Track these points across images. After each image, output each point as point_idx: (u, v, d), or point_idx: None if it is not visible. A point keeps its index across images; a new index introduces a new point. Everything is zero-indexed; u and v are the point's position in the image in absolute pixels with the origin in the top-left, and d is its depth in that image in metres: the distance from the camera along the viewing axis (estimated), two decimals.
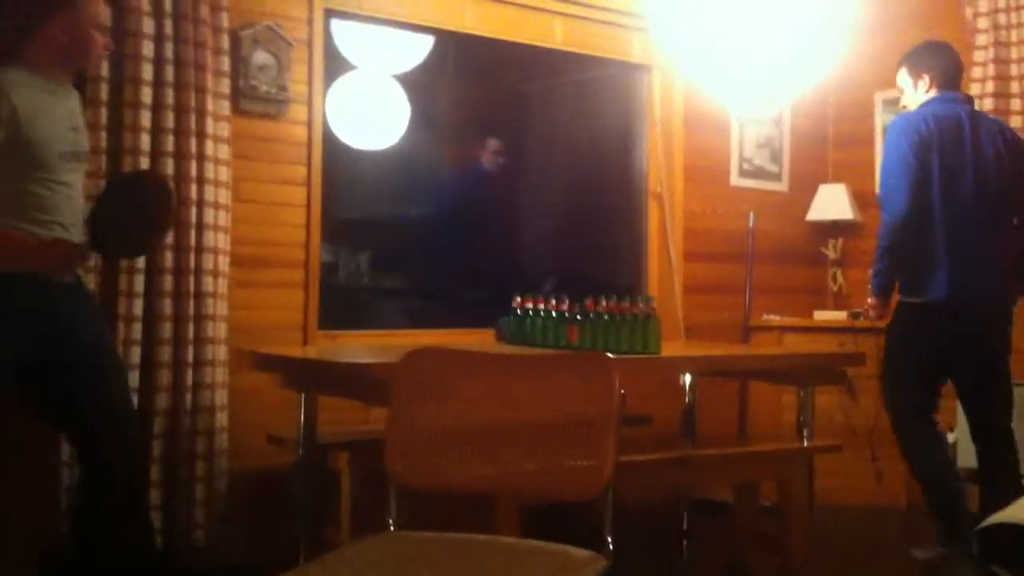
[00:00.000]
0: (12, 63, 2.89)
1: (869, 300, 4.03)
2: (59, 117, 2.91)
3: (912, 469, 4.07)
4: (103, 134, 3.47)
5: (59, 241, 2.85)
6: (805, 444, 3.79)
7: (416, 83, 4.70)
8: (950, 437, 4.82)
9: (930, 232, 3.85)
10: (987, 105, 4.69)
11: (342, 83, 4.07)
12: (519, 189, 5.88)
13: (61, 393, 2.92)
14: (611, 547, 2.14)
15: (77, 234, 2.93)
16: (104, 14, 3.05)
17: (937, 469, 3.98)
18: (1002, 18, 4.70)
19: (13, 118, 2.77)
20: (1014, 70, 4.68)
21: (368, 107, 4.17)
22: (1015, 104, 4.67)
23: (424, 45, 4.73)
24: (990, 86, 4.69)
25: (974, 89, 4.74)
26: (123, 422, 3.04)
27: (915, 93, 4.04)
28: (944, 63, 4.02)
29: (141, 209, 2.90)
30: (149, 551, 3.16)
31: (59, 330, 2.89)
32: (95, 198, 3.08)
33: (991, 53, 4.69)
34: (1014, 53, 4.68)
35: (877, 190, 4.08)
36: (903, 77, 4.09)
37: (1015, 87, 4.68)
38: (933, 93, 3.98)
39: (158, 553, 3.31)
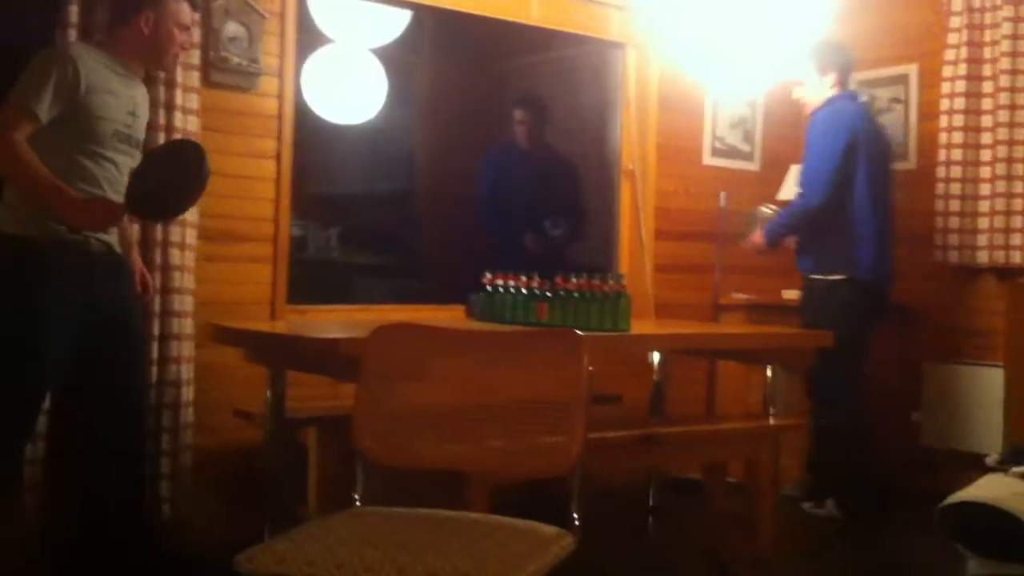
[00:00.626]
0: (90, 42, 3.05)
1: (758, 240, 4.46)
2: (121, 98, 2.99)
3: (831, 432, 4.23)
4: None
5: (99, 200, 2.90)
6: (772, 423, 3.83)
7: (392, 58, 4.67)
8: (915, 416, 4.89)
9: (858, 216, 4.23)
10: (959, 88, 4.72)
11: (318, 56, 4.02)
12: (526, 165, 5.85)
13: (91, 365, 2.97)
14: (578, 524, 2.15)
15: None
16: (186, 14, 3.11)
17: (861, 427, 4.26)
18: (976, 1, 4.72)
19: (76, 84, 2.85)
20: (987, 53, 4.70)
21: (345, 81, 4.13)
22: (987, 87, 4.70)
23: (401, 19, 4.68)
24: (962, 69, 4.71)
25: (947, 72, 4.76)
26: (131, 401, 3.09)
27: (819, 87, 4.37)
28: (847, 62, 4.42)
29: (176, 172, 2.92)
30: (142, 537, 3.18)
31: (94, 300, 2.93)
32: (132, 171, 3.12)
33: (964, 36, 4.71)
34: (987, 36, 4.70)
35: (803, 183, 4.35)
36: (809, 70, 4.39)
37: (987, 70, 4.70)
38: (836, 90, 4.35)
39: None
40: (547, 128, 5.48)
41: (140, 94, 3.12)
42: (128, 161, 3.05)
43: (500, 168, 5.44)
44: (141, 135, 3.14)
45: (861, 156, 4.25)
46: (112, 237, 3.04)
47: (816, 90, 4.36)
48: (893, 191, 4.42)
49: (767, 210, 4.65)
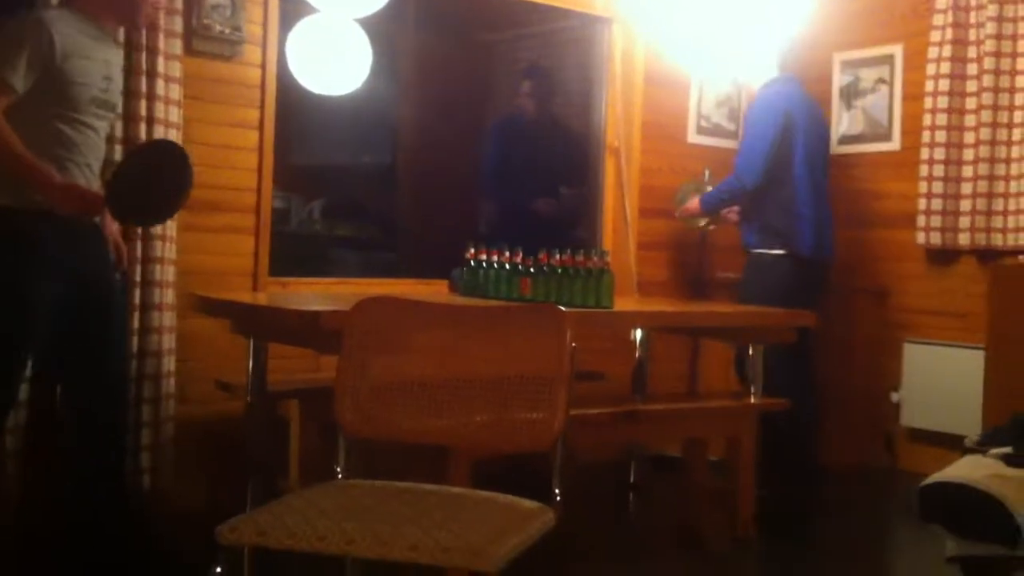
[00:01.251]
0: (61, 5, 2.97)
1: (694, 206, 4.70)
2: (96, 63, 2.94)
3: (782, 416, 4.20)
4: None
5: (79, 188, 2.87)
6: (753, 401, 3.84)
7: (376, 29, 4.62)
8: (894, 397, 4.92)
9: (797, 194, 4.40)
10: (944, 69, 4.72)
11: (302, 25, 3.97)
12: (476, 140, 5.83)
13: (70, 335, 2.95)
14: (559, 499, 2.15)
15: (95, 177, 2.99)
16: None
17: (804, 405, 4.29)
18: None
19: (51, 53, 2.81)
20: (972, 35, 4.70)
21: (329, 51, 4.08)
22: (971, 69, 4.70)
23: None
24: (947, 51, 4.71)
25: (931, 53, 4.76)
26: (111, 371, 3.07)
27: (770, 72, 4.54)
28: (789, 46, 4.58)
29: (160, 178, 2.91)
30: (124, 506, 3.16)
31: (75, 268, 2.92)
32: (115, 164, 3.13)
33: (950, 17, 4.71)
34: (973, 18, 4.70)
35: (738, 164, 4.50)
36: (766, 59, 4.55)
37: (972, 52, 4.70)
38: (776, 73, 4.51)
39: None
40: (553, 98, 5.48)
41: (114, 57, 3.08)
42: (105, 126, 3.03)
43: (506, 139, 5.43)
44: (118, 99, 3.12)
45: (799, 136, 4.39)
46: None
47: (764, 71, 4.53)
48: (829, 173, 4.64)
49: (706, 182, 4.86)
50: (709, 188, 4.79)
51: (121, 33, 3.33)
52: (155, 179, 2.90)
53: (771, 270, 4.39)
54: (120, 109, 3.16)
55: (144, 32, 3.50)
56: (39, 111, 2.82)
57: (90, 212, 2.94)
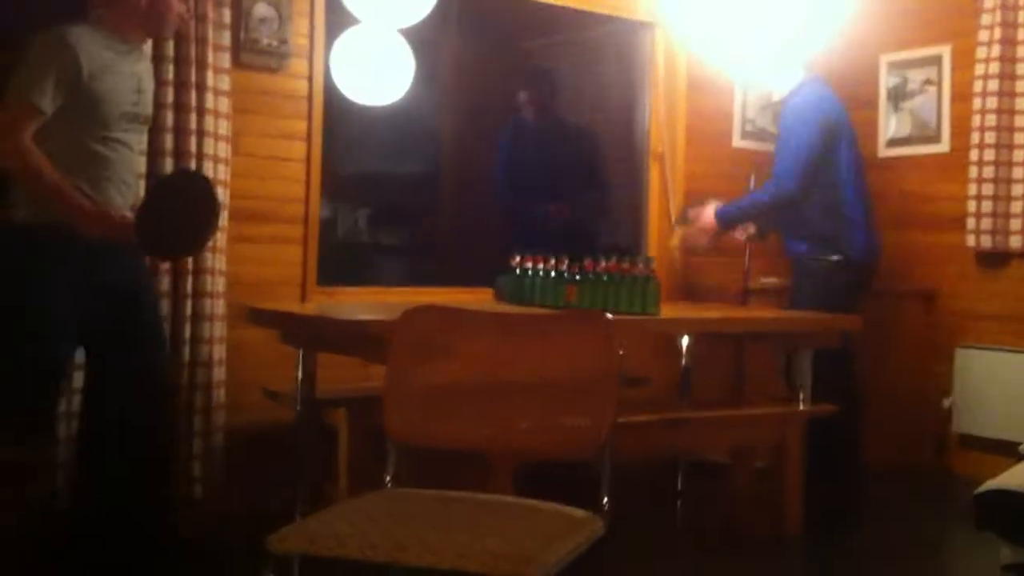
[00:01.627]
0: (86, 20, 2.94)
1: (709, 222, 4.48)
2: (125, 77, 2.95)
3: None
4: None
5: (109, 217, 2.89)
6: (800, 407, 3.81)
7: (420, 38, 4.65)
8: (946, 402, 4.86)
9: (845, 197, 4.32)
10: (992, 69, 4.65)
11: (346, 37, 4.02)
12: (542, 142, 5.82)
13: (108, 340, 3.00)
14: (607, 507, 2.15)
15: (132, 192, 3.02)
16: None
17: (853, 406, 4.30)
18: None
19: (78, 72, 2.81)
20: (1021, 34, 4.63)
21: (372, 62, 4.12)
22: (1020, 69, 4.63)
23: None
24: (996, 50, 4.64)
25: (980, 53, 4.70)
26: (157, 378, 3.12)
27: (788, 74, 4.47)
28: (819, 47, 4.51)
29: (188, 213, 2.93)
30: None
31: (113, 280, 2.95)
32: (145, 193, 3.15)
33: (998, 16, 4.64)
34: (1021, 17, 4.63)
35: (778, 168, 4.37)
36: (797, 63, 4.44)
37: (1021, 51, 4.63)
38: (804, 74, 4.41)
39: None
40: (555, 101, 5.47)
41: (144, 67, 3.07)
42: (138, 139, 3.04)
43: (512, 147, 5.44)
44: (149, 110, 3.11)
45: (841, 138, 4.34)
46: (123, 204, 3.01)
47: (792, 77, 4.43)
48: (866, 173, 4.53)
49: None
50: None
51: (150, 43, 3.33)
52: (182, 214, 2.91)
53: (828, 277, 4.31)
54: (150, 117, 3.14)
55: (192, 46, 3.55)
56: (70, 131, 2.84)
57: (119, 240, 2.94)
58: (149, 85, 3.11)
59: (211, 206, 2.95)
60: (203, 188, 2.98)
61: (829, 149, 4.30)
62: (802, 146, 4.28)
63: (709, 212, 4.49)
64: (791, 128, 4.38)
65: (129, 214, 2.95)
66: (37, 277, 2.85)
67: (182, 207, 2.92)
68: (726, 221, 4.49)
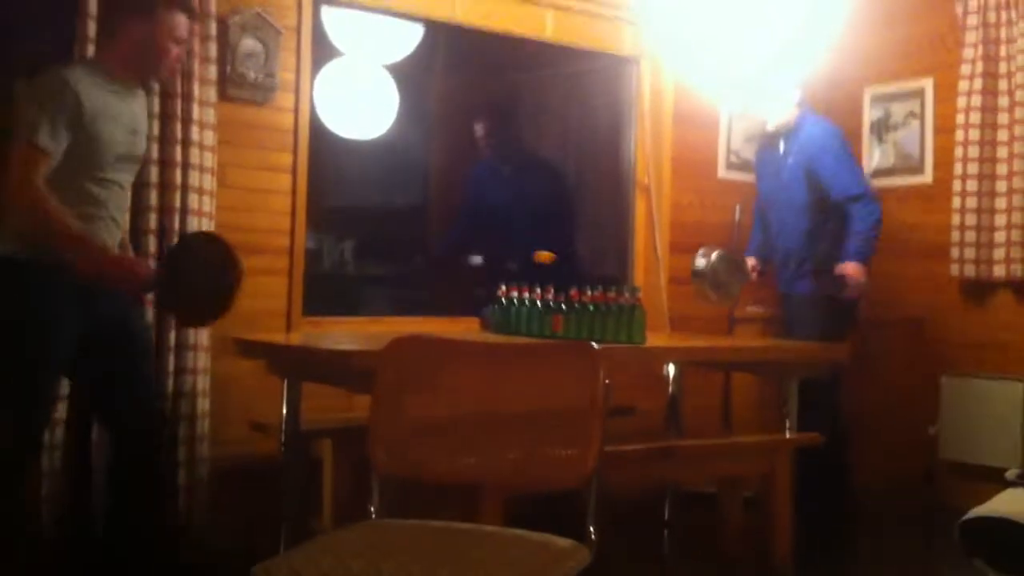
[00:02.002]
0: (83, 62, 2.95)
1: (857, 272, 4.28)
2: (121, 119, 2.94)
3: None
4: None
5: (132, 267, 2.93)
6: (788, 436, 3.81)
7: (405, 73, 4.69)
8: (931, 430, 4.86)
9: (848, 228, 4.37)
10: (975, 102, 4.70)
11: (331, 71, 4.04)
12: (507, 180, 5.85)
13: (99, 374, 2.99)
14: (594, 537, 2.14)
15: (120, 228, 3.04)
16: (182, 26, 3.01)
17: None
18: (991, 15, 4.71)
19: (79, 114, 2.81)
20: (1003, 67, 4.69)
21: (357, 96, 4.15)
22: (1003, 101, 4.68)
23: (415, 35, 4.70)
24: (978, 83, 4.70)
25: (962, 86, 4.75)
26: (149, 409, 3.10)
27: (789, 103, 4.49)
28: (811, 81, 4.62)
29: (212, 279, 2.94)
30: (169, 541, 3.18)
31: (104, 313, 2.94)
32: (168, 251, 3.17)
33: (980, 51, 4.70)
34: (1003, 51, 4.68)
35: (856, 187, 4.38)
36: (778, 87, 4.50)
37: (1003, 85, 4.68)
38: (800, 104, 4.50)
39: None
40: (513, 136, 5.46)
41: (139, 106, 3.06)
42: (129, 177, 3.04)
43: (475, 189, 5.47)
44: (142, 149, 3.11)
45: None
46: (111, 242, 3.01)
47: (786, 106, 4.48)
48: None
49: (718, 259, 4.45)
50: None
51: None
52: (203, 279, 2.93)
53: (830, 309, 4.33)
54: (142, 155, 3.14)
55: (179, 80, 3.56)
56: (66, 170, 2.82)
57: (139, 291, 2.95)
58: (143, 126, 3.10)
59: (233, 276, 2.93)
60: (226, 255, 2.96)
61: None
62: (853, 158, 4.45)
63: (850, 266, 4.30)
64: (834, 149, 4.40)
65: (149, 266, 2.98)
66: (27, 311, 2.83)
67: (204, 273, 2.93)
68: (867, 259, 4.37)
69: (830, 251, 4.35)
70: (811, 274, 4.39)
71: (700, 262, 4.36)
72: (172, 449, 3.56)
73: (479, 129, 5.38)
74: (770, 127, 4.54)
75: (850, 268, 4.28)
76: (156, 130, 3.53)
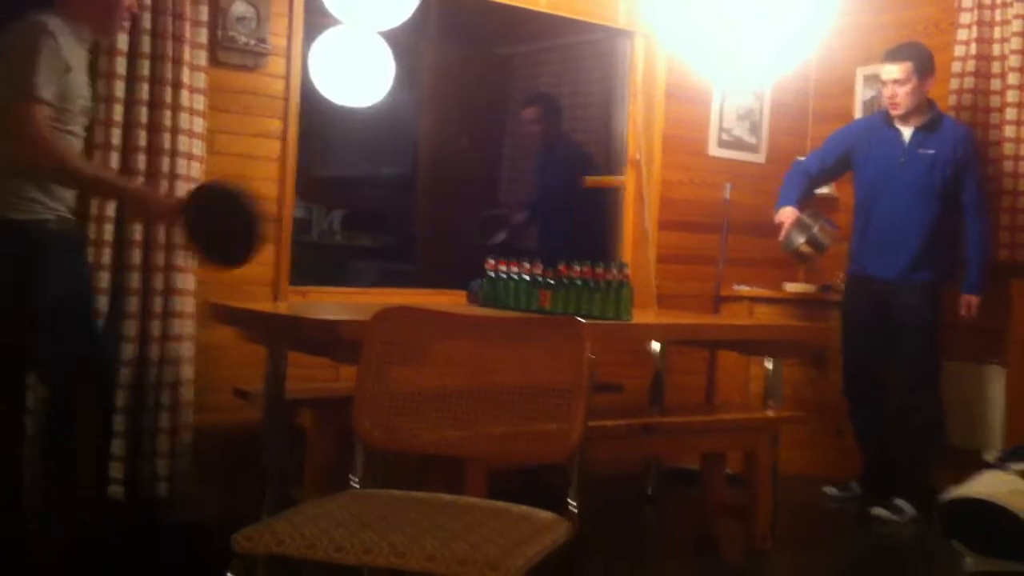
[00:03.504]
0: (53, 12, 2.92)
1: (972, 300, 4.41)
2: (83, 73, 2.97)
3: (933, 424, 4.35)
4: None
5: (162, 202, 3.07)
6: (771, 415, 3.82)
7: (398, 41, 4.65)
8: None
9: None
10: (967, 84, 4.69)
11: (325, 38, 4.00)
12: (499, 151, 5.85)
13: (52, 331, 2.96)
14: (576, 511, 2.15)
15: None
16: None
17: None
18: None
19: (64, 63, 2.83)
20: (996, 50, 4.68)
21: (352, 63, 4.10)
22: (995, 84, 4.67)
23: (410, 2, 4.65)
24: (971, 65, 4.69)
25: (955, 68, 4.74)
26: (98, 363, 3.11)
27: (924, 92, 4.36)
28: None
29: (242, 222, 3.00)
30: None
31: (74, 275, 2.98)
32: (192, 195, 3.18)
33: (974, 32, 4.68)
34: (997, 33, 4.67)
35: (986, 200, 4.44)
36: (920, 72, 4.33)
37: (996, 67, 4.67)
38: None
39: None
40: (561, 123, 5.55)
41: (87, 63, 3.06)
42: (82, 131, 3.04)
43: (538, 176, 5.62)
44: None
45: None
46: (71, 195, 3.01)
47: (921, 97, 4.35)
48: None
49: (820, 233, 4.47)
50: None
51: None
52: (240, 228, 2.99)
53: (942, 303, 4.40)
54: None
55: (169, 43, 3.53)
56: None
57: (169, 221, 3.09)
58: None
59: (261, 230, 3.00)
60: (256, 212, 3.02)
61: None
62: None
63: (973, 300, 4.38)
64: (977, 157, 4.44)
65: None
66: (25, 272, 2.84)
67: (236, 217, 2.99)
68: (983, 289, 4.41)
69: (950, 243, 4.38)
70: (931, 264, 4.33)
71: (798, 238, 4.43)
72: (154, 415, 3.56)
73: (530, 112, 5.44)
74: (900, 111, 4.34)
75: (974, 302, 4.39)
76: (145, 94, 3.51)
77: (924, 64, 4.31)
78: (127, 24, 3.22)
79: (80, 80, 2.93)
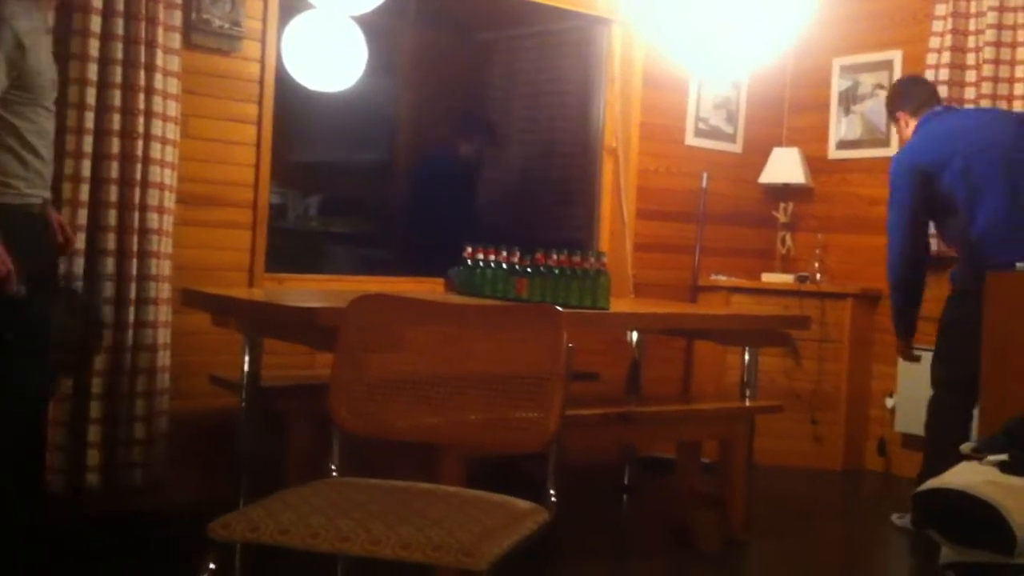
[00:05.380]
0: None
1: None
2: (46, 48, 2.91)
3: None
4: None
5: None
6: (747, 404, 3.84)
7: (374, 26, 4.62)
8: (889, 402, 4.92)
9: None
10: (942, 75, 4.72)
11: (298, 21, 3.97)
12: (475, 139, 5.81)
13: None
14: (553, 499, 2.14)
15: (51, 157, 2.98)
16: None
17: None
18: None
19: (21, 49, 2.77)
20: (971, 42, 4.70)
21: (325, 48, 4.07)
22: (970, 76, 4.70)
23: None
24: (946, 57, 4.71)
25: (930, 59, 4.76)
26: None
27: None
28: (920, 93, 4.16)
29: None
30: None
31: (35, 256, 2.90)
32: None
33: (949, 24, 4.71)
34: (972, 25, 4.70)
35: None
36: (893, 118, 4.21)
37: (971, 59, 4.70)
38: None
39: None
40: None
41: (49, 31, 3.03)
42: (52, 104, 2.99)
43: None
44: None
45: None
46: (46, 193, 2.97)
47: (904, 128, 4.15)
48: None
49: None
50: None
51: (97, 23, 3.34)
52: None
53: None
54: None
55: (142, 26, 3.49)
56: (18, 105, 2.80)
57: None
58: None
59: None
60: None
61: None
62: None
63: None
64: None
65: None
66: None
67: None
68: None
69: None
70: None
71: None
72: (130, 402, 3.52)
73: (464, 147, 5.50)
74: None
75: None
76: (119, 77, 3.47)
77: (889, 107, 4.23)
78: None
79: (46, 59, 2.87)
